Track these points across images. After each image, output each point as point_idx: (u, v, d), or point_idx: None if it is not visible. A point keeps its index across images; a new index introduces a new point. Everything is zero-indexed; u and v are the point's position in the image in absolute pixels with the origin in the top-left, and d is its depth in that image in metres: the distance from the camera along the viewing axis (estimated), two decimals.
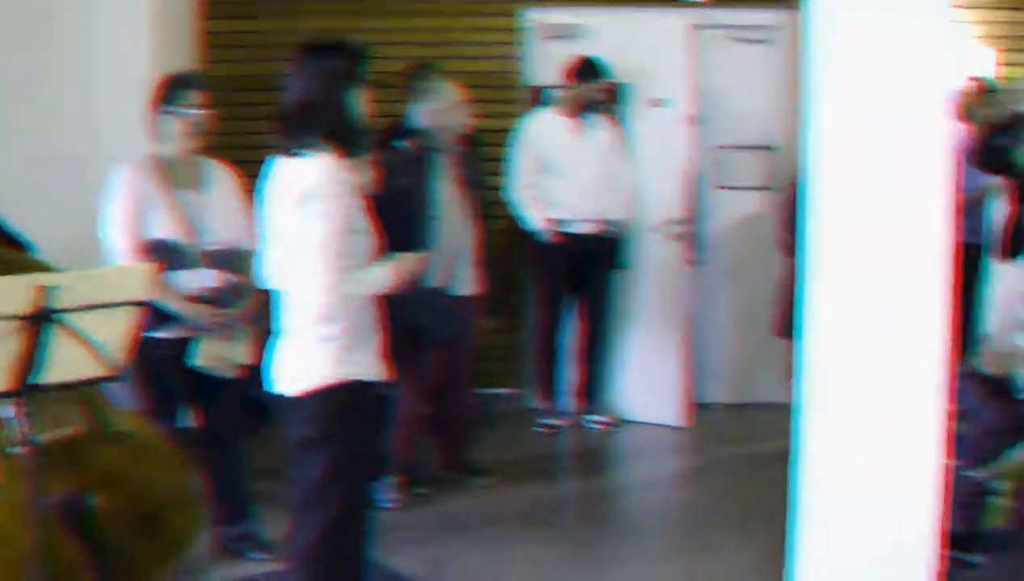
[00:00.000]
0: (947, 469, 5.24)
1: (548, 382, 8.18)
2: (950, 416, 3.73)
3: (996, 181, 7.07)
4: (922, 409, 3.53)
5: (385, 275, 4.15)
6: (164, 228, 5.36)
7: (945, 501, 3.69)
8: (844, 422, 3.56)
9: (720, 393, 8.63)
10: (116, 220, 5.34)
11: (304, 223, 4.02)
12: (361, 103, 4.23)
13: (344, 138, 4.12)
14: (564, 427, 8.10)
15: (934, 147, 3.52)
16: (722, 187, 8.55)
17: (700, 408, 8.37)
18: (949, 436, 5.33)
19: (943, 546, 5.20)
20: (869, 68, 3.47)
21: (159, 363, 5.37)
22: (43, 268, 4.63)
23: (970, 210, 7.45)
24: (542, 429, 8.06)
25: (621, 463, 7.87)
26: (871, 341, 3.52)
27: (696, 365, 8.45)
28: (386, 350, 4.32)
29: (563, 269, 7.84)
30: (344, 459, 4.13)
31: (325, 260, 4.01)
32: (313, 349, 4.10)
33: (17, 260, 4.80)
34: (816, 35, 3.50)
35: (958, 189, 7.59)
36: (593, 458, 7.82)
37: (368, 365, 4.18)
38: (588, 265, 7.88)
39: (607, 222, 7.83)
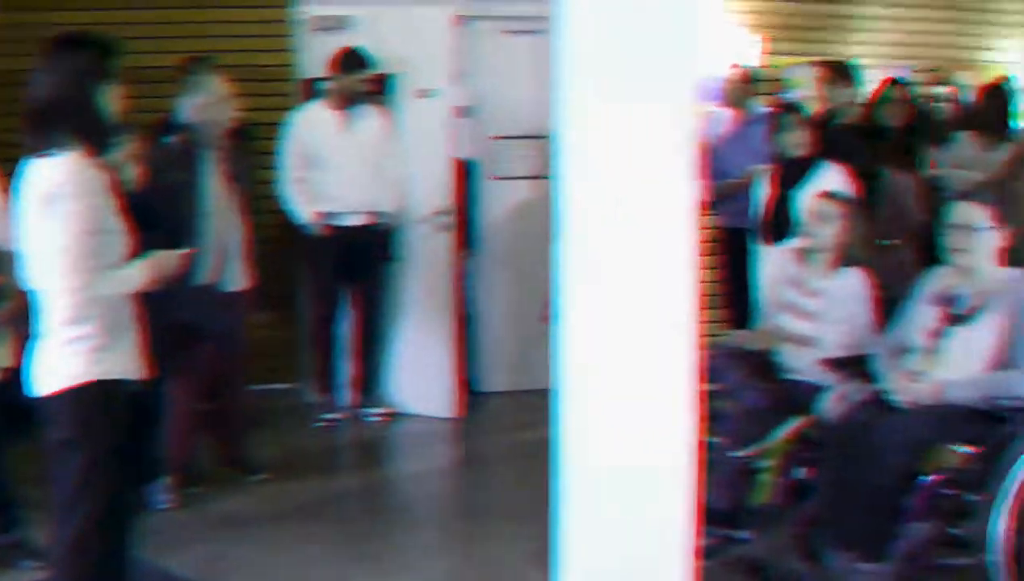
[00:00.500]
0: (712, 448, 5.40)
1: (325, 376, 8.13)
2: (705, 397, 3.80)
3: (761, 166, 7.26)
4: (674, 392, 3.58)
5: (137, 274, 4.07)
6: None
7: (701, 480, 3.74)
8: (599, 408, 3.60)
9: (499, 381, 8.68)
10: None
11: (50, 224, 3.93)
12: (113, 99, 4.14)
13: (93, 136, 4.03)
14: (342, 421, 8.05)
15: (681, 136, 3.57)
16: (496, 177, 8.59)
17: (481, 396, 8.44)
18: (708, 416, 5.48)
19: (707, 524, 5.36)
20: (615, 58, 3.51)
21: None
22: None
23: (737, 195, 7.65)
24: (320, 423, 8.00)
25: (398, 455, 7.85)
26: (623, 327, 3.56)
27: (475, 354, 8.51)
28: (145, 348, 4.24)
29: (335, 262, 7.79)
30: (99, 459, 4.04)
31: (72, 261, 3.92)
32: (65, 349, 4.00)
33: None
34: (565, 24, 3.53)
35: (724, 175, 7.87)
36: (371, 451, 7.80)
37: (122, 363, 4.09)
38: (360, 257, 7.84)
39: (377, 214, 7.81)
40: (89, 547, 4.06)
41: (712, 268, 8.43)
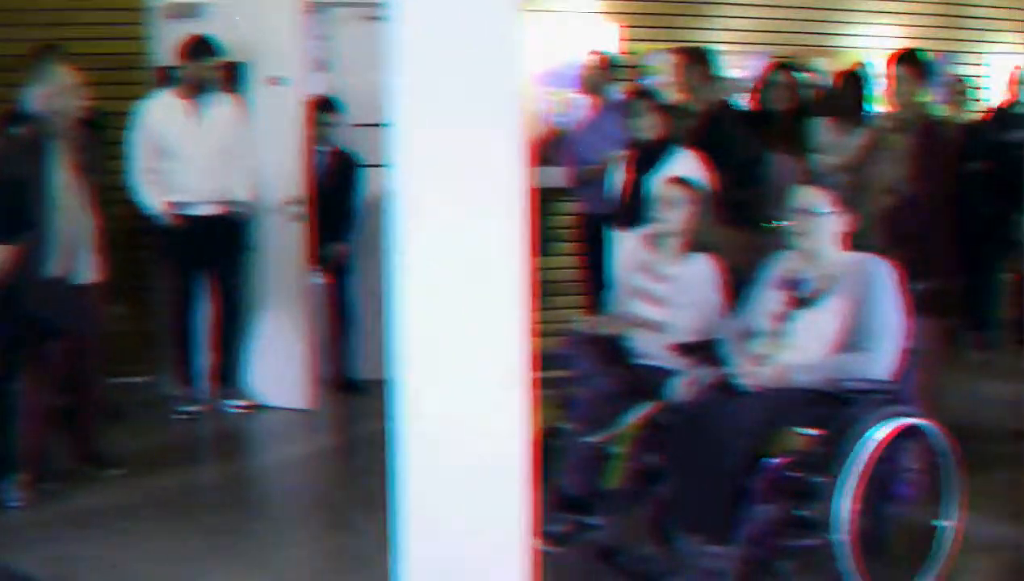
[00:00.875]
0: (564, 434, 5.43)
1: (183, 368, 8.05)
2: (540, 384, 3.80)
3: (617, 152, 7.30)
4: (509, 381, 3.59)
5: None
6: None
7: (538, 468, 3.74)
8: (435, 398, 3.60)
9: (375, 369, 8.63)
10: None
11: None
12: None
13: None
14: (201, 413, 7.98)
15: (511, 123, 3.57)
16: (358, 165, 8.56)
17: (360, 385, 8.40)
18: (560, 403, 5.52)
19: (560, 509, 5.40)
20: (444, 50, 3.50)
21: None
22: None
23: (595, 181, 7.69)
24: (179, 416, 7.92)
25: (255, 448, 7.80)
26: (456, 318, 3.57)
27: (352, 343, 8.48)
28: None
29: (188, 253, 7.71)
30: None
31: None
32: None
33: None
34: (396, 14, 3.51)
35: (582, 161, 7.92)
36: (228, 444, 7.74)
37: None
38: (213, 247, 7.77)
39: (229, 203, 7.74)
40: None
41: (572, 254, 8.48)
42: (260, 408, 8.11)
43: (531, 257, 3.58)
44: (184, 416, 7.93)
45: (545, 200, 8.59)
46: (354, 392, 8.35)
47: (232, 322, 8.03)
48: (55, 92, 6.38)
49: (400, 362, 3.66)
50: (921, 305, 6.32)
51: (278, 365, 8.08)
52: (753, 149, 7.45)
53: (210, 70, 7.66)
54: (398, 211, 3.60)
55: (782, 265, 5.28)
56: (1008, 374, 8.67)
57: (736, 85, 8.73)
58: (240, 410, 8.04)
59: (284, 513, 6.50)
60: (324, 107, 8.16)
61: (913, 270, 6.36)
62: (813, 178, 5.44)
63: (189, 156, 7.62)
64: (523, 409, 3.61)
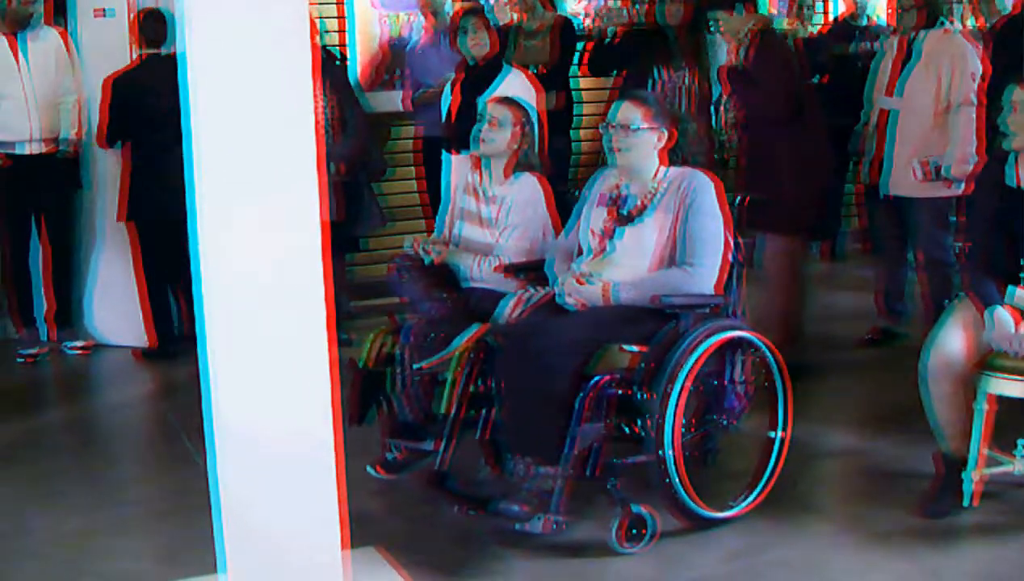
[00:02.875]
0: (396, 361, 5.39)
1: (21, 310, 7.87)
2: (331, 313, 3.75)
3: (450, 76, 7.24)
4: (309, 314, 3.55)
5: None
6: None
7: (337, 402, 3.70)
8: (239, 336, 3.55)
9: None
10: None
11: None
12: None
13: None
14: (43, 356, 7.83)
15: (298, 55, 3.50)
16: None
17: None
18: (392, 330, 5.48)
19: (395, 437, 5.38)
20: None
21: None
22: None
23: (433, 104, 7.62)
24: (21, 359, 7.76)
25: (94, 389, 7.63)
26: (256, 251, 3.51)
27: None
28: None
29: (16, 193, 7.51)
30: None
31: None
32: None
33: None
34: None
35: (421, 84, 7.85)
36: (68, 386, 7.62)
37: None
38: (42, 187, 7.58)
39: (56, 141, 7.55)
40: None
41: (415, 178, 8.42)
42: (101, 347, 7.99)
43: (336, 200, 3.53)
44: (25, 359, 7.77)
45: (385, 124, 8.53)
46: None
47: (64, 261, 7.86)
48: None
49: (203, 300, 3.60)
50: (766, 221, 6.39)
51: (115, 304, 7.94)
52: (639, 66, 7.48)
53: (32, 3, 7.42)
54: (193, 152, 3.53)
55: (604, 182, 5.26)
56: (853, 284, 8.79)
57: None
58: (80, 351, 7.90)
59: (125, 453, 6.41)
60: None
61: (754, 184, 6.45)
62: (631, 93, 5.40)
63: (10, 94, 7.39)
64: (326, 344, 3.57)
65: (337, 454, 3.71)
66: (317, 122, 3.58)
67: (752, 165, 6.77)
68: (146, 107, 7.19)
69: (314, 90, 3.56)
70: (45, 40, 7.55)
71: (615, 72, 8.19)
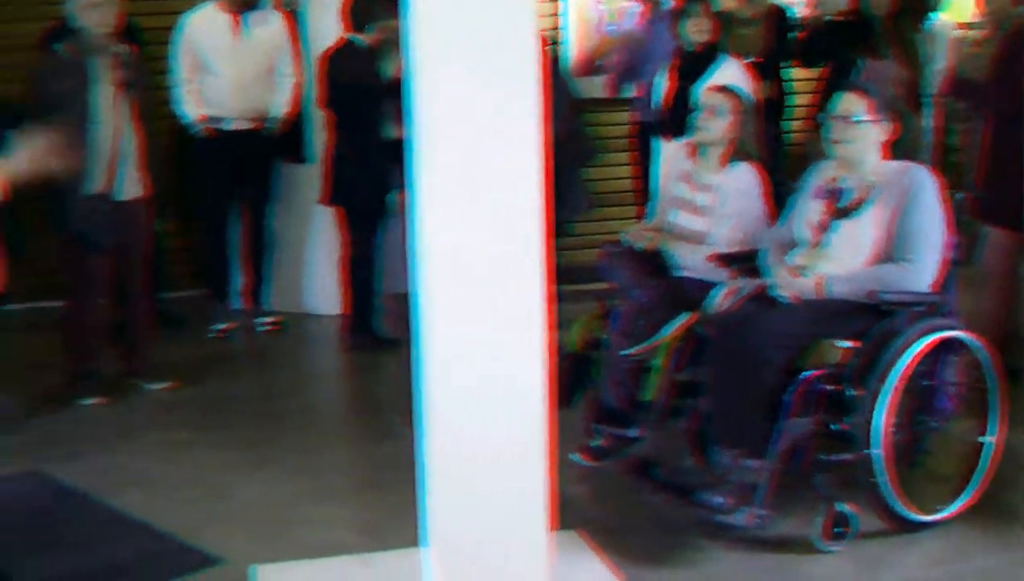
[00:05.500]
0: (604, 346, 5.39)
1: (219, 282, 8.07)
2: (552, 299, 3.75)
3: (664, 61, 7.21)
4: (525, 298, 3.56)
5: None
6: None
7: (554, 394, 3.70)
8: (453, 320, 3.57)
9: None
10: None
11: None
12: None
13: None
14: (236, 327, 8.03)
15: (526, 43, 3.51)
16: None
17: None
18: (600, 315, 5.48)
19: (600, 422, 5.38)
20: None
21: None
22: None
23: (644, 90, 7.59)
24: (215, 331, 7.97)
25: (295, 358, 7.77)
26: (476, 241, 3.53)
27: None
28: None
29: (224, 167, 7.67)
30: None
31: None
32: None
33: None
34: None
35: (634, 70, 7.81)
36: (263, 356, 7.78)
37: None
38: (249, 162, 7.73)
39: (265, 119, 7.70)
40: None
41: (627, 164, 8.39)
42: (300, 317, 8.18)
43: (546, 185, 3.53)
44: (219, 331, 7.97)
45: (597, 110, 8.51)
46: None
47: (264, 237, 8.00)
48: (93, 5, 6.34)
49: (421, 283, 3.63)
50: (991, 215, 6.23)
51: (313, 280, 8.16)
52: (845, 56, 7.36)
53: None
54: (417, 139, 3.56)
55: (822, 174, 5.18)
56: None
57: None
58: (271, 326, 8.06)
59: (327, 425, 6.52)
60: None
61: (984, 179, 6.29)
62: (854, 84, 5.30)
63: (226, 72, 7.56)
64: (542, 324, 3.58)
65: (549, 436, 3.72)
66: None
67: (988, 160, 6.56)
68: (344, 89, 7.29)
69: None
70: (268, 23, 7.71)
71: (822, 63, 8.05)
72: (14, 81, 7.05)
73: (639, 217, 7.99)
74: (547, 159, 3.54)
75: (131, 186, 6.52)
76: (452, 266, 3.58)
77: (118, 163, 6.39)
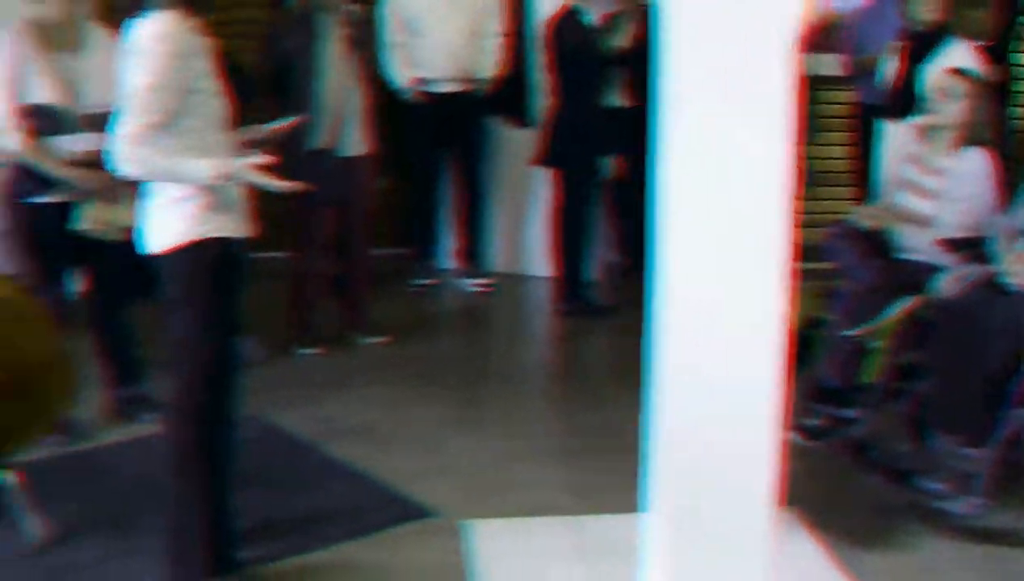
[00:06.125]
0: (825, 326, 5.36)
1: (425, 241, 8.21)
2: (800, 276, 3.74)
3: (891, 43, 7.10)
4: (765, 277, 3.55)
5: (202, 171, 3.95)
6: (42, 92, 5.30)
7: (790, 358, 3.69)
8: (692, 284, 3.58)
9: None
10: None
11: (131, 76, 3.94)
12: None
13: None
14: (444, 286, 8.15)
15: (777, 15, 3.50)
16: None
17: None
18: (823, 295, 5.44)
19: (817, 402, 5.36)
20: None
21: (41, 229, 5.35)
22: None
23: (873, 71, 7.48)
24: (419, 288, 8.10)
25: (506, 320, 7.87)
26: (716, 207, 3.53)
27: None
28: (253, 208, 4.26)
29: (433, 129, 7.74)
30: (205, 315, 4.10)
31: (134, 111, 3.90)
32: (173, 208, 4.03)
33: None
34: None
35: (861, 50, 7.71)
36: (479, 316, 7.86)
37: (228, 223, 4.11)
38: (459, 124, 7.79)
39: (474, 81, 7.72)
40: (195, 400, 4.14)
41: (843, 144, 8.29)
42: (510, 280, 8.24)
43: (796, 147, 3.51)
44: (420, 287, 8.09)
45: (818, 88, 8.41)
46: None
47: (476, 197, 8.07)
48: None
49: (660, 249, 3.65)
50: None
51: (528, 237, 8.22)
52: None
53: None
54: (662, 104, 3.58)
55: None
56: None
57: None
58: (482, 283, 8.11)
59: (532, 386, 6.60)
60: None
61: None
62: None
63: (435, 33, 7.58)
64: (779, 298, 3.57)
65: (781, 412, 3.71)
66: None
67: None
68: (567, 56, 7.31)
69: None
70: None
71: None
72: (250, 38, 7.17)
73: (856, 198, 7.92)
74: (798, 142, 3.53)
75: (355, 143, 6.65)
76: (692, 242, 3.58)
77: (343, 120, 6.52)
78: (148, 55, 3.89)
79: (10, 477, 4.73)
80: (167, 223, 4.06)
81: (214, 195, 4.02)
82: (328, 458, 5.45)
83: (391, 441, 5.63)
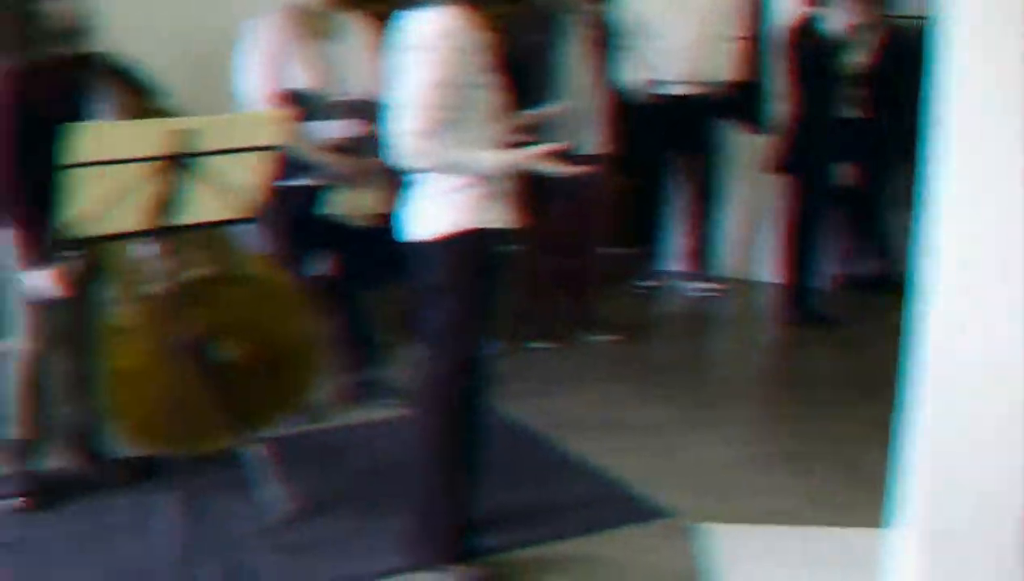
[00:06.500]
0: None
1: (651, 243, 8.20)
2: None
3: None
4: None
5: (490, 162, 4.04)
6: (301, 78, 5.43)
7: None
8: (961, 312, 3.51)
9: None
10: (253, 70, 5.43)
11: (413, 73, 4.01)
12: None
13: None
14: (668, 287, 8.11)
15: None
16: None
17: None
18: None
19: None
20: None
21: (294, 211, 5.47)
22: (172, 114, 4.74)
23: None
24: (641, 287, 8.09)
25: (733, 325, 7.86)
26: (996, 241, 3.46)
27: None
28: (520, 199, 4.30)
29: (663, 130, 7.64)
30: (470, 304, 4.18)
31: (418, 108, 3.96)
32: (445, 197, 4.10)
33: (151, 107, 4.92)
34: None
35: None
36: (706, 320, 7.85)
37: (500, 213, 4.17)
38: (691, 128, 7.70)
39: (709, 84, 7.58)
40: (454, 388, 4.22)
41: None
42: (738, 285, 8.19)
43: None
44: (644, 289, 8.07)
45: None
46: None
47: (706, 200, 8.00)
48: None
49: (927, 264, 3.60)
50: None
51: (760, 243, 8.18)
52: None
53: None
54: (934, 120, 3.52)
55: None
56: None
57: None
58: (710, 288, 8.05)
59: (760, 393, 6.61)
60: None
61: None
62: None
63: (670, 36, 7.46)
64: None
65: None
66: None
67: None
68: (808, 66, 7.23)
69: None
70: None
71: None
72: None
73: None
74: None
75: (593, 141, 6.68)
76: (963, 261, 3.51)
77: (580, 117, 6.54)
78: (433, 51, 3.97)
79: (257, 451, 4.86)
80: (439, 212, 4.12)
81: (490, 186, 4.08)
82: (561, 452, 5.50)
83: (619, 439, 5.65)
